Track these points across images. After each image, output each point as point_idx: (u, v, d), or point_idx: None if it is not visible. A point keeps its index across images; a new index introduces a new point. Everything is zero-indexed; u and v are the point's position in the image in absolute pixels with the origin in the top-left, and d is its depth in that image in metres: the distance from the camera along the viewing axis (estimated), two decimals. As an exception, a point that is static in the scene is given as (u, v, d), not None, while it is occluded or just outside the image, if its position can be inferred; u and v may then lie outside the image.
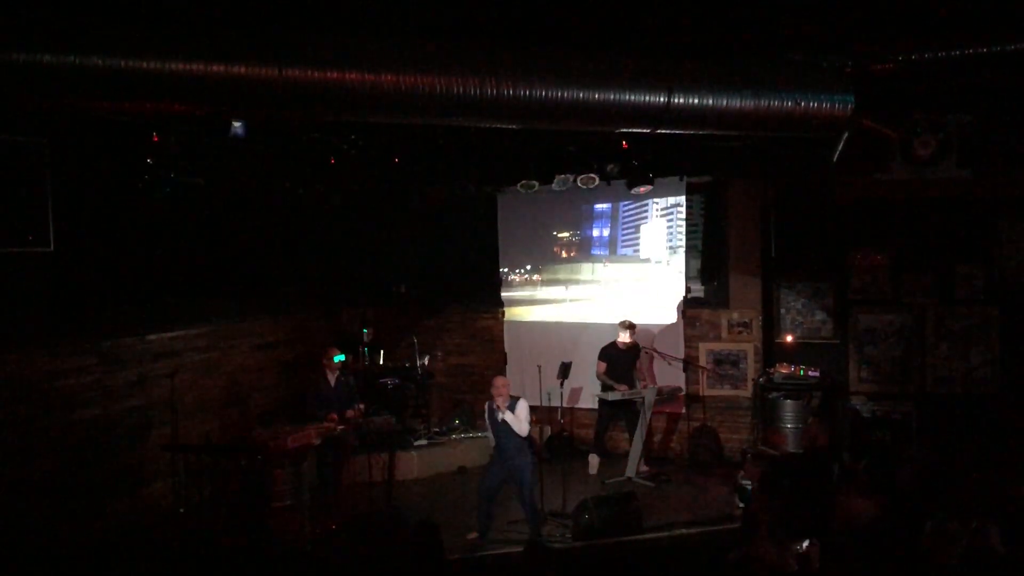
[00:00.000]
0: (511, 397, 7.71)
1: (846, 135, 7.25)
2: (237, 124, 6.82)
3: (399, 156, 9.64)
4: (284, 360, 10.32)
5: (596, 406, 9.97)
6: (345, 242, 11.06)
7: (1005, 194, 9.15)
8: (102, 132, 7.19)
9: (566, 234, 11.13)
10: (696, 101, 6.32)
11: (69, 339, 7.51)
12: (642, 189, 9.65)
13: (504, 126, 6.40)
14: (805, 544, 4.52)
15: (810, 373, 9.56)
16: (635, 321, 9.94)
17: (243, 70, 4.92)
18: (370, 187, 10.18)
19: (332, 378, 8.63)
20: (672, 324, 10.41)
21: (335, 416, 8.36)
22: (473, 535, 7.81)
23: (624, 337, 9.78)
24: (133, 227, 8.11)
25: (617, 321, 9.95)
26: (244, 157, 8.30)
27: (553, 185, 9.97)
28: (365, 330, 10.57)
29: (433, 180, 10.26)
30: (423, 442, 10.21)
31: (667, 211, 10.38)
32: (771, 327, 10.15)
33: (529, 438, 7.86)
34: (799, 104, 6.61)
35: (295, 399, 10.00)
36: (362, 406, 8.69)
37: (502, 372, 10.77)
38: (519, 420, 7.63)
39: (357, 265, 11.18)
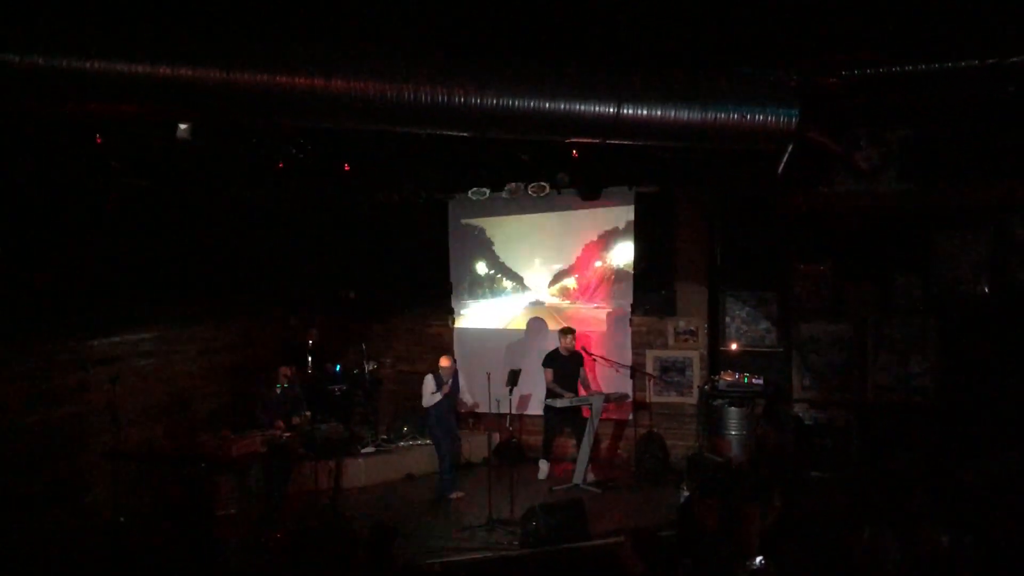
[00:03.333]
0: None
1: (791, 148, 7.38)
2: (183, 126, 6.72)
3: (349, 161, 9.58)
4: (229, 365, 10.17)
5: (543, 413, 10.03)
6: (293, 247, 10.94)
7: (942, 207, 9.38)
8: (43, 133, 7.02)
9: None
10: (645, 113, 6.41)
11: (6, 343, 7.31)
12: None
13: (456, 134, 6.42)
14: (759, 560, 4.54)
15: (754, 381, 9.69)
16: (579, 328, 10.08)
17: (189, 72, 4.86)
18: (319, 192, 10.10)
19: (278, 386, 8.55)
20: (620, 331, 10.51)
21: (281, 423, 8.27)
22: (457, 495, 9.19)
23: (566, 343, 9.85)
24: (75, 230, 7.93)
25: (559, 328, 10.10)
26: (191, 160, 8.18)
27: (503, 193, 10.03)
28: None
29: (383, 186, 10.22)
30: (371, 449, 10.14)
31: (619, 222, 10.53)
32: (716, 335, 10.29)
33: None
34: (745, 117, 6.73)
35: (241, 405, 9.85)
36: (308, 414, 8.62)
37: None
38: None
39: (305, 270, 11.06)
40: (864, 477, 8.96)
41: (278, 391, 8.63)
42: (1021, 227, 9.35)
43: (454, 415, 9.61)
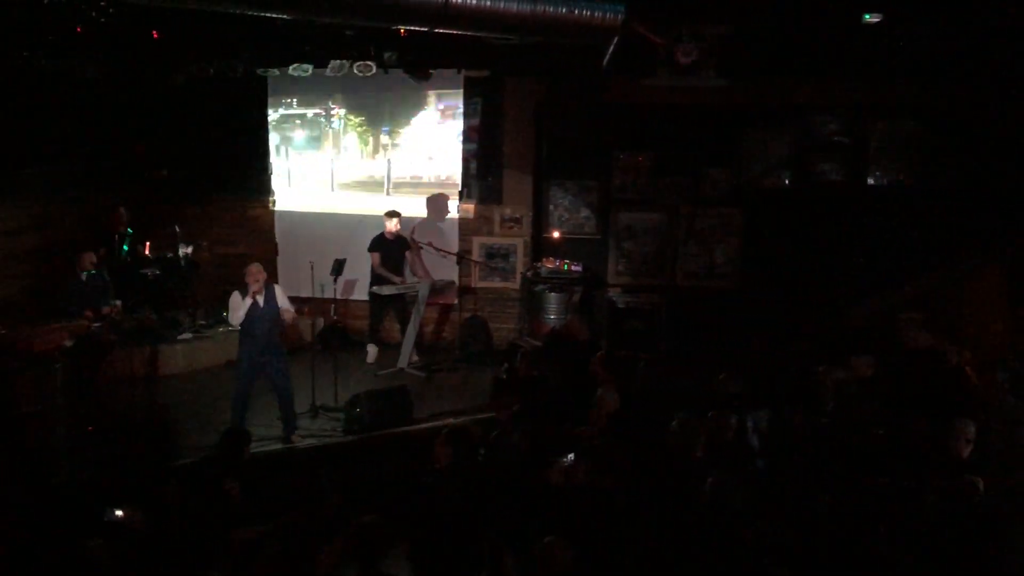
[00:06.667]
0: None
1: (616, 41, 7.50)
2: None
3: (158, 29, 8.88)
4: (29, 248, 9.46)
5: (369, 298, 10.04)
6: (98, 122, 10.11)
7: (752, 104, 9.89)
8: None
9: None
10: (474, 1, 6.33)
11: None
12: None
13: (275, 15, 6.08)
14: (570, 457, 4.81)
15: (573, 267, 10.05)
16: (407, 214, 10.05)
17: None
18: (126, 62, 9.32)
19: (83, 273, 8.07)
20: (448, 218, 10.56)
21: (90, 312, 7.85)
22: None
23: (391, 226, 9.81)
24: None
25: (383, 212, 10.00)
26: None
27: (327, 71, 9.62)
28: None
29: (197, 57, 9.56)
30: (188, 335, 9.83)
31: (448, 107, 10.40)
32: (540, 223, 10.54)
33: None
34: (573, 11, 6.78)
35: (43, 290, 9.25)
36: (119, 303, 8.20)
37: (273, 263, 10.56)
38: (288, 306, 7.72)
39: (113, 147, 10.29)
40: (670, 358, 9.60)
41: (83, 278, 8.15)
42: (823, 124, 10.03)
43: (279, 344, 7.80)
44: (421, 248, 10.30)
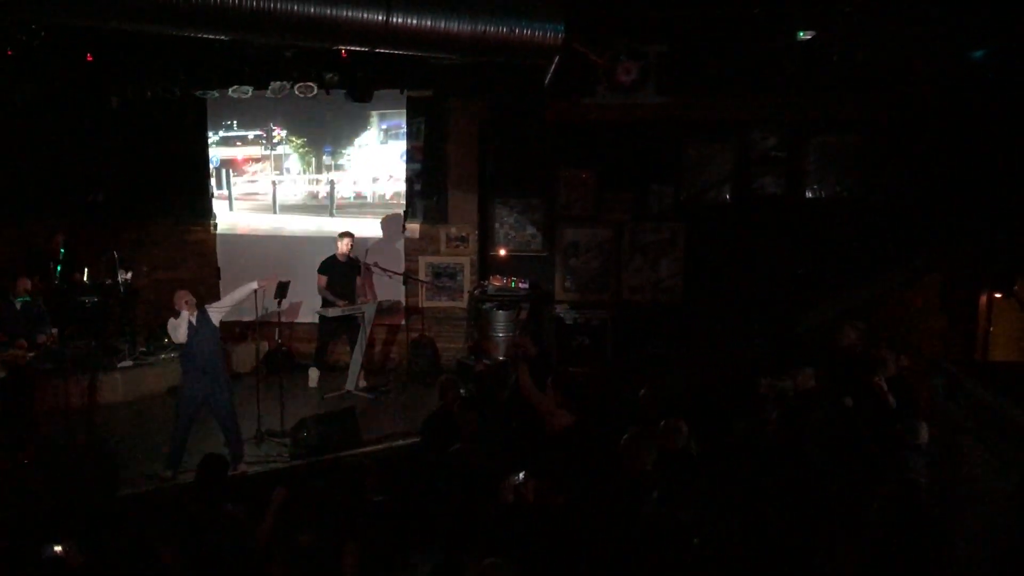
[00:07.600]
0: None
1: (557, 60, 7.57)
2: None
3: (92, 51, 8.73)
4: (-43, 277, 9.15)
5: (316, 320, 9.91)
6: (31, 145, 9.87)
7: (692, 119, 10.04)
8: None
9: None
10: (414, 21, 6.34)
11: None
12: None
13: (211, 36, 6.01)
14: (521, 476, 4.79)
15: (520, 285, 10.09)
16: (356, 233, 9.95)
17: None
18: (60, 85, 9.13)
19: (18, 300, 7.83)
20: (394, 238, 10.51)
21: (24, 343, 7.61)
22: (168, 473, 7.22)
23: (343, 248, 9.71)
24: None
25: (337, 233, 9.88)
26: None
27: (268, 92, 9.55)
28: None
29: (133, 80, 9.41)
30: (128, 363, 9.58)
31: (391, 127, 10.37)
32: (486, 241, 10.54)
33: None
34: (514, 31, 6.82)
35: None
36: (55, 331, 7.97)
37: (215, 287, 10.39)
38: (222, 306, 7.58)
39: (47, 171, 10.04)
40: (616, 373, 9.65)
41: (18, 306, 7.90)
42: (761, 139, 10.21)
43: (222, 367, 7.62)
44: (368, 268, 10.21)
